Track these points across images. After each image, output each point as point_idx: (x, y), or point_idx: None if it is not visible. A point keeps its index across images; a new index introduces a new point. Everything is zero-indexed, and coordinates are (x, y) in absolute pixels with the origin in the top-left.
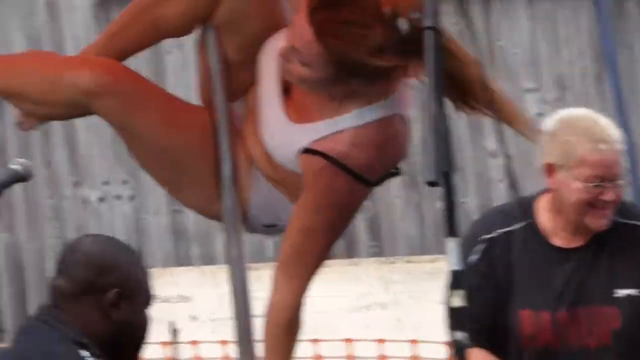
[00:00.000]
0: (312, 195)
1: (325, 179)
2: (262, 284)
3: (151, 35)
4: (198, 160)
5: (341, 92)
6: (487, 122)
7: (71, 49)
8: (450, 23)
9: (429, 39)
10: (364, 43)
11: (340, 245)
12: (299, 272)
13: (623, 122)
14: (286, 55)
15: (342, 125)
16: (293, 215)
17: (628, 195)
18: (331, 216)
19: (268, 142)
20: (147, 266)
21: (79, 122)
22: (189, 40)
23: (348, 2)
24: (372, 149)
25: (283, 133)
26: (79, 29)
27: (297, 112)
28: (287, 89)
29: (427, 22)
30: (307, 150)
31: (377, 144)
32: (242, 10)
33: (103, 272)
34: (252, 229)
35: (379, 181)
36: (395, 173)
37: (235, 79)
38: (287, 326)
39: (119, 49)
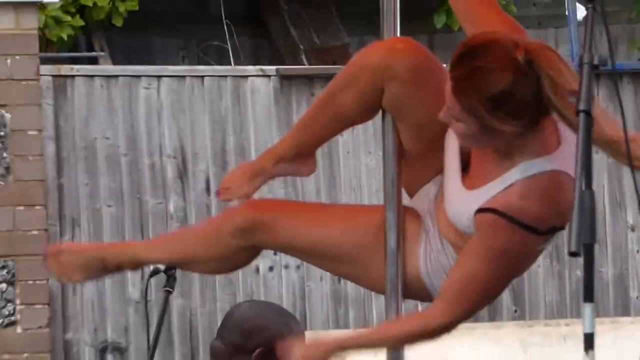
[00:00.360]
0: (482, 245)
1: (496, 231)
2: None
3: (337, 124)
4: (374, 254)
5: (504, 146)
6: (628, 197)
7: (253, 132)
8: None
9: (582, 122)
10: (487, 88)
11: (484, 309)
12: (451, 310)
13: None
14: (444, 116)
15: (510, 180)
16: (458, 262)
17: None
18: (496, 268)
19: (449, 212)
20: (300, 328)
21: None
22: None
23: (482, 53)
24: (542, 199)
25: (461, 201)
26: (261, 113)
27: (472, 180)
28: (467, 163)
29: (581, 105)
30: (480, 210)
31: (546, 194)
32: (404, 97)
33: (251, 335)
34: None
35: (549, 231)
36: (561, 228)
37: (414, 166)
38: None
39: (311, 140)
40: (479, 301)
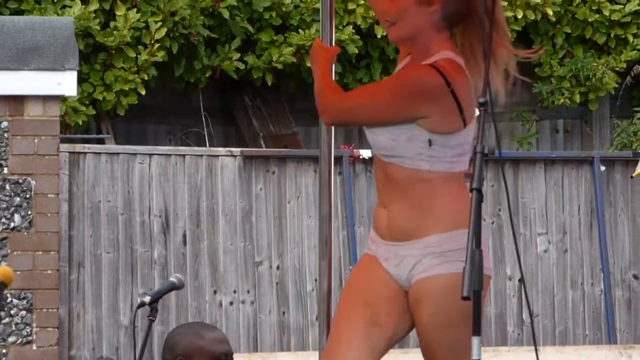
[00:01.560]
0: (394, 76)
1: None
2: None
3: None
4: None
5: (426, 35)
6: (507, 254)
7: (221, 198)
8: (489, 185)
9: (474, 199)
10: None
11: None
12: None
13: (605, 259)
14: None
15: None
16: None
17: None
18: (393, 87)
19: None
20: (214, 335)
21: (220, 248)
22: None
23: None
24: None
25: None
26: (228, 184)
27: None
28: None
29: (474, 184)
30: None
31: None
32: None
33: (172, 349)
34: None
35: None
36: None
37: None
38: None
39: None
40: (367, 97)
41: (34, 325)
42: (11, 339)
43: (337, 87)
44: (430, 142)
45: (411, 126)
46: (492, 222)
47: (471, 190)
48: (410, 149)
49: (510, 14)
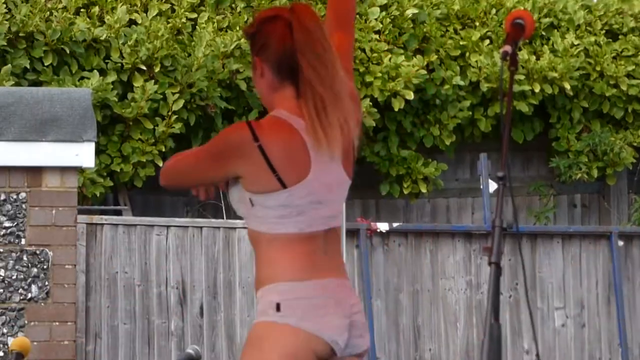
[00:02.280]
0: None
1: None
2: None
3: None
4: None
5: (266, 96)
6: (524, 328)
7: (238, 270)
8: (506, 259)
9: (493, 273)
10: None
11: None
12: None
13: (624, 334)
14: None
15: None
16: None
17: None
18: (202, 152)
19: None
20: None
21: (237, 320)
22: None
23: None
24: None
25: None
26: (245, 256)
27: None
28: None
29: (493, 259)
30: None
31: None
32: None
33: None
34: None
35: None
36: None
37: None
38: None
39: None
40: (183, 162)
41: None
42: None
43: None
44: (251, 202)
45: (239, 186)
46: (510, 296)
47: (490, 264)
48: (243, 209)
49: (527, 87)
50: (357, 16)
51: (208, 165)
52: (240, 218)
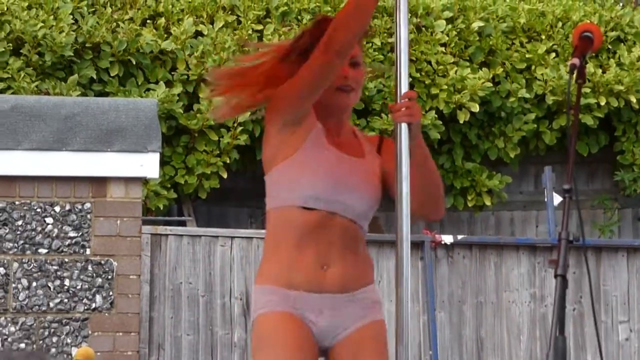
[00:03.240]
0: None
1: None
2: None
3: None
4: None
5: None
6: (588, 342)
7: None
8: (571, 272)
9: (559, 285)
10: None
11: None
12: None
13: None
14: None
15: None
16: None
17: None
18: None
19: None
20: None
21: None
22: None
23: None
24: None
25: None
26: None
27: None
28: None
29: (559, 271)
30: None
31: None
32: None
33: None
34: None
35: None
36: None
37: None
38: None
39: None
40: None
41: None
42: None
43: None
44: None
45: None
46: (574, 309)
47: (556, 276)
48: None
49: (593, 100)
50: (424, 29)
51: None
52: None
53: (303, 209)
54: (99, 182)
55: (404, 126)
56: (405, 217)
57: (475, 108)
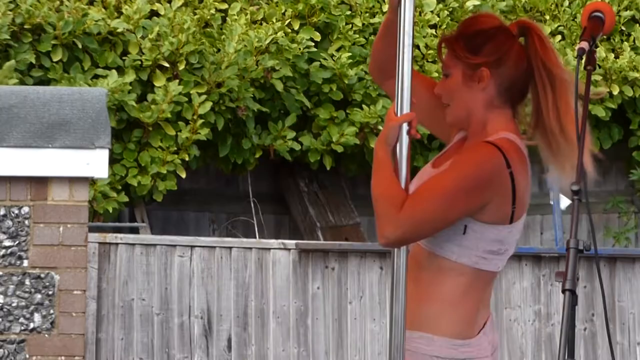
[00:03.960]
0: (456, 160)
1: (479, 149)
2: None
3: None
4: None
5: (479, 114)
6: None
7: (272, 297)
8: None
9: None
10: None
11: None
12: (407, 209)
13: None
14: (437, 89)
15: None
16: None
17: None
18: (458, 179)
19: (411, 188)
20: None
21: (271, 355)
22: None
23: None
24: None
25: (423, 175)
26: (280, 281)
27: (440, 161)
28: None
29: (567, 285)
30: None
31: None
32: None
33: None
34: None
35: (512, 186)
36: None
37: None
38: None
39: None
40: (430, 206)
41: None
42: None
43: (396, 192)
44: (465, 229)
45: None
46: (585, 329)
47: (563, 291)
48: (446, 232)
49: (604, 89)
50: None
51: (463, 203)
52: (275, 237)
53: None
54: (39, 183)
55: (404, 126)
56: None
57: None
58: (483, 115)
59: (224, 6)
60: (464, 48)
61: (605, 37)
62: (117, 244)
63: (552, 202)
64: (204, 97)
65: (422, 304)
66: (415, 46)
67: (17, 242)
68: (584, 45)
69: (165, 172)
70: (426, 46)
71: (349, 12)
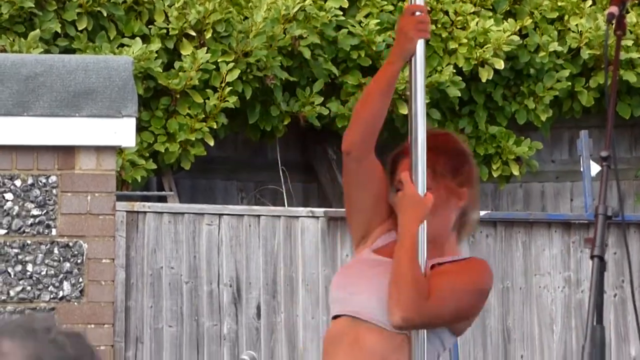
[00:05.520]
0: (472, 277)
1: (485, 272)
2: None
3: None
4: None
5: (447, 227)
6: (631, 333)
7: (301, 265)
8: (611, 252)
9: (595, 266)
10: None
11: None
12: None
13: None
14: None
15: (463, 256)
16: (452, 274)
17: None
18: (472, 298)
19: None
20: None
21: (300, 322)
22: None
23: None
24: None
25: None
26: (309, 249)
27: None
28: None
29: (596, 251)
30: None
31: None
32: None
33: None
34: None
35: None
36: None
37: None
38: None
39: None
40: (445, 310)
41: None
42: None
43: (422, 278)
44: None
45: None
46: (615, 295)
47: (592, 257)
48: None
49: (635, 55)
50: None
51: (475, 306)
52: (303, 205)
53: None
54: (66, 152)
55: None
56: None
57: (500, 65)
58: (445, 235)
59: None
60: (449, 166)
61: (636, 1)
62: (145, 212)
63: (582, 169)
64: (231, 65)
65: None
66: (444, 12)
67: (45, 211)
68: (614, 10)
69: (193, 139)
70: (455, 12)
71: None
